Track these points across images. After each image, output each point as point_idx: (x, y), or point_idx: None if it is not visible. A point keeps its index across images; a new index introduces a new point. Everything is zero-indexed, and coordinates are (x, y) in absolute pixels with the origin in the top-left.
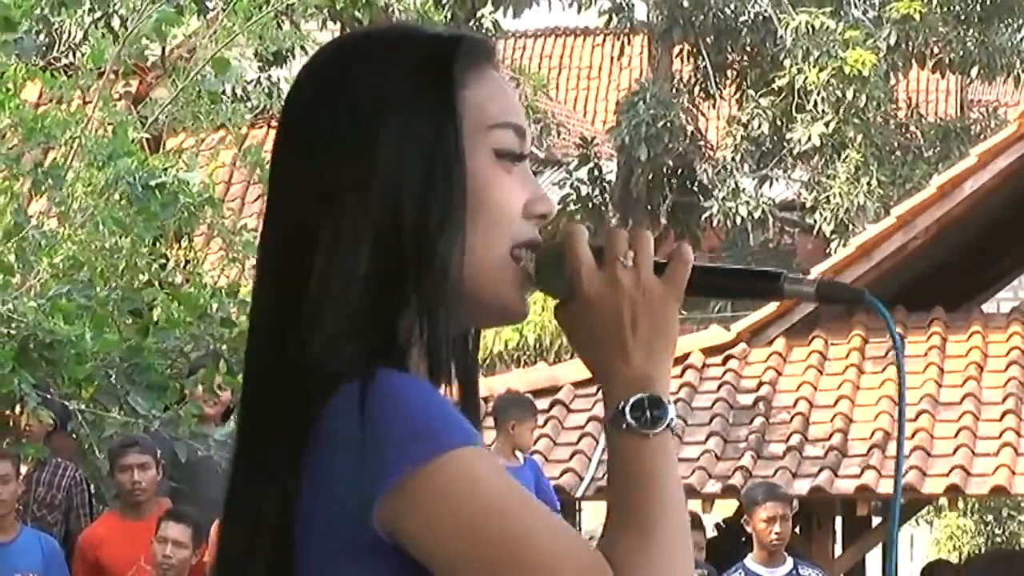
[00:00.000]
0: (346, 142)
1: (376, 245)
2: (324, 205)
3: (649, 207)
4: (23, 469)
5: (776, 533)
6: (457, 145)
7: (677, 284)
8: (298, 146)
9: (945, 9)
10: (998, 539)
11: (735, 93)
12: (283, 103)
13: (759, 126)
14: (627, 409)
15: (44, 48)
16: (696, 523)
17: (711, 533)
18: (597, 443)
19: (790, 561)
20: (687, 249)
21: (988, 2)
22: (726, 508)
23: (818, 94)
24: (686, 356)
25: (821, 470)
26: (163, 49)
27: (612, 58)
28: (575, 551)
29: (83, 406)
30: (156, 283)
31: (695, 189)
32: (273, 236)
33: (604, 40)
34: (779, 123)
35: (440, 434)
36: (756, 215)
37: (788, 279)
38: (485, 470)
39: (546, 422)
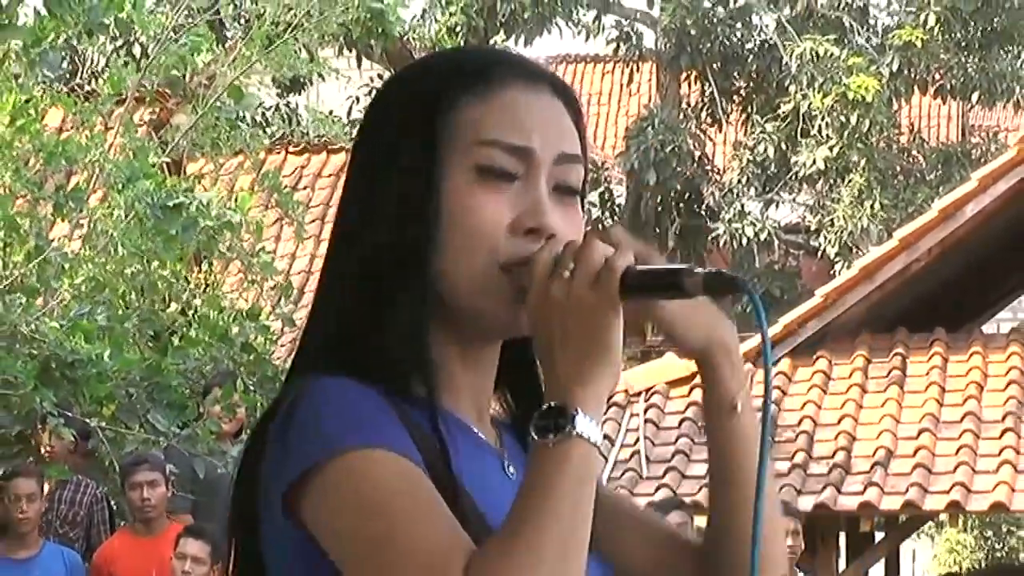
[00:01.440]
0: (352, 165)
1: (354, 264)
2: (335, 225)
3: (658, 230)
4: (46, 487)
5: (787, 547)
6: (426, 165)
7: (609, 293)
8: (350, 161)
9: (946, 36)
10: (998, 554)
11: (741, 118)
12: None
13: (765, 150)
14: (535, 416)
15: (68, 75)
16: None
17: None
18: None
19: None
20: (622, 255)
21: (988, 29)
22: None
23: (822, 119)
24: (693, 376)
25: (825, 487)
26: (183, 76)
27: (621, 85)
28: (432, 561)
29: (104, 424)
30: (176, 305)
31: (702, 212)
32: None
33: (613, 67)
34: (784, 147)
35: (342, 436)
36: (762, 237)
37: (686, 274)
38: (372, 473)
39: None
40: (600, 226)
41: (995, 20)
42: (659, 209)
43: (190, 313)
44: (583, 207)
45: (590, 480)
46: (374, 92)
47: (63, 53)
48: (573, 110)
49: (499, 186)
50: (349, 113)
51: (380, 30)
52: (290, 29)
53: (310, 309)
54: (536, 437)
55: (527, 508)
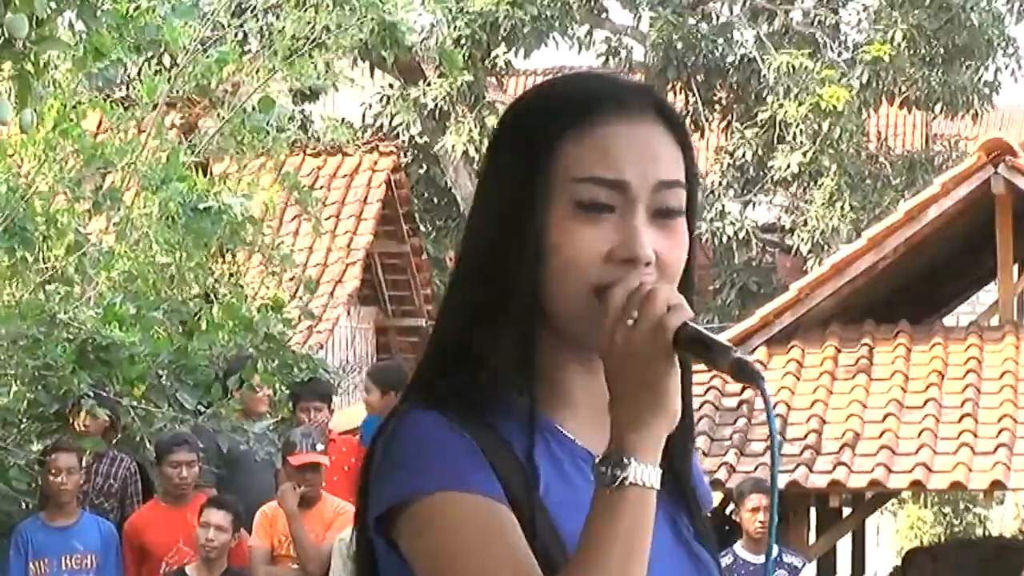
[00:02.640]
0: (478, 189)
1: (466, 285)
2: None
3: None
4: (83, 461)
5: (760, 522)
6: (530, 197)
7: (664, 345)
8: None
9: (912, 52)
10: (955, 529)
11: (722, 125)
12: None
13: (744, 155)
14: (596, 462)
15: (104, 82)
16: None
17: None
18: None
19: (776, 548)
20: (678, 312)
21: (950, 46)
22: (714, 500)
23: (797, 127)
24: None
25: (797, 466)
26: (210, 85)
27: None
28: None
29: (135, 403)
30: (202, 294)
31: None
32: None
33: None
34: (761, 153)
35: (427, 475)
36: (741, 236)
37: (721, 355)
38: (452, 516)
39: None
40: None
41: (956, 37)
42: None
43: (215, 301)
44: (693, 223)
45: (645, 520)
46: (391, 99)
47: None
48: (676, 130)
49: (598, 218)
50: (363, 119)
51: (393, 42)
52: (309, 43)
53: (434, 327)
54: (596, 484)
55: (585, 553)
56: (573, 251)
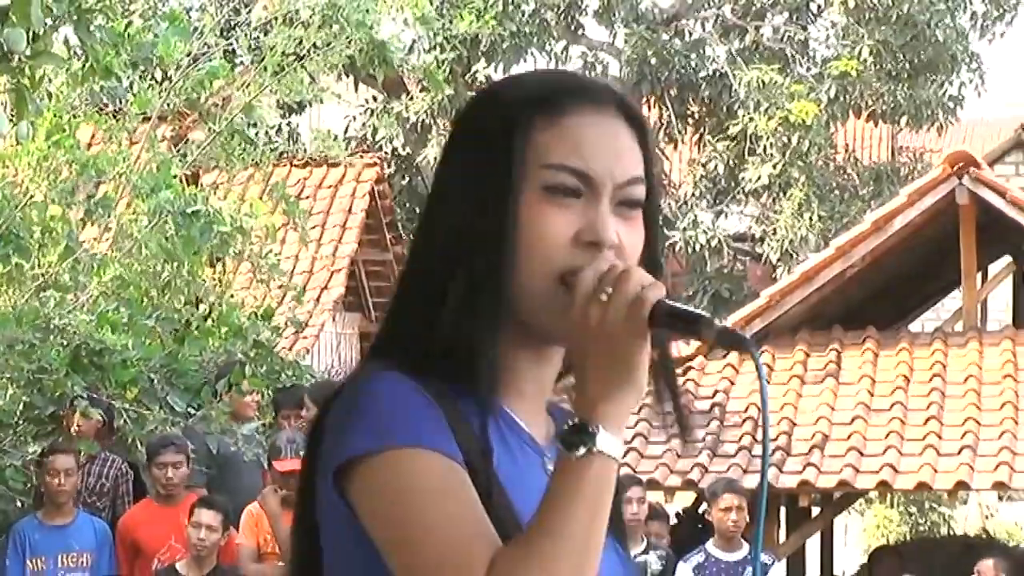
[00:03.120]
0: (440, 176)
1: (436, 271)
2: (416, 230)
3: None
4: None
5: (733, 521)
6: (494, 182)
7: (638, 322)
8: (435, 171)
9: (878, 67)
10: (920, 528)
11: (695, 138)
12: None
13: (715, 167)
14: (563, 430)
15: (99, 94)
16: (660, 514)
17: (672, 521)
18: None
19: (746, 546)
20: (654, 288)
21: (915, 61)
22: (685, 499)
23: (767, 140)
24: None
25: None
26: (199, 97)
27: None
28: (457, 557)
29: (127, 405)
30: (193, 301)
31: (660, 221)
32: None
33: None
34: (733, 164)
35: (391, 433)
36: (713, 244)
37: (704, 324)
38: (413, 470)
39: None
40: None
41: (922, 53)
42: None
43: (205, 308)
44: (653, 217)
45: (608, 491)
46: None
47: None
48: (637, 128)
49: (564, 202)
50: (346, 131)
51: (381, 61)
52: (298, 59)
53: (392, 303)
54: (563, 451)
55: (549, 517)
56: (541, 232)
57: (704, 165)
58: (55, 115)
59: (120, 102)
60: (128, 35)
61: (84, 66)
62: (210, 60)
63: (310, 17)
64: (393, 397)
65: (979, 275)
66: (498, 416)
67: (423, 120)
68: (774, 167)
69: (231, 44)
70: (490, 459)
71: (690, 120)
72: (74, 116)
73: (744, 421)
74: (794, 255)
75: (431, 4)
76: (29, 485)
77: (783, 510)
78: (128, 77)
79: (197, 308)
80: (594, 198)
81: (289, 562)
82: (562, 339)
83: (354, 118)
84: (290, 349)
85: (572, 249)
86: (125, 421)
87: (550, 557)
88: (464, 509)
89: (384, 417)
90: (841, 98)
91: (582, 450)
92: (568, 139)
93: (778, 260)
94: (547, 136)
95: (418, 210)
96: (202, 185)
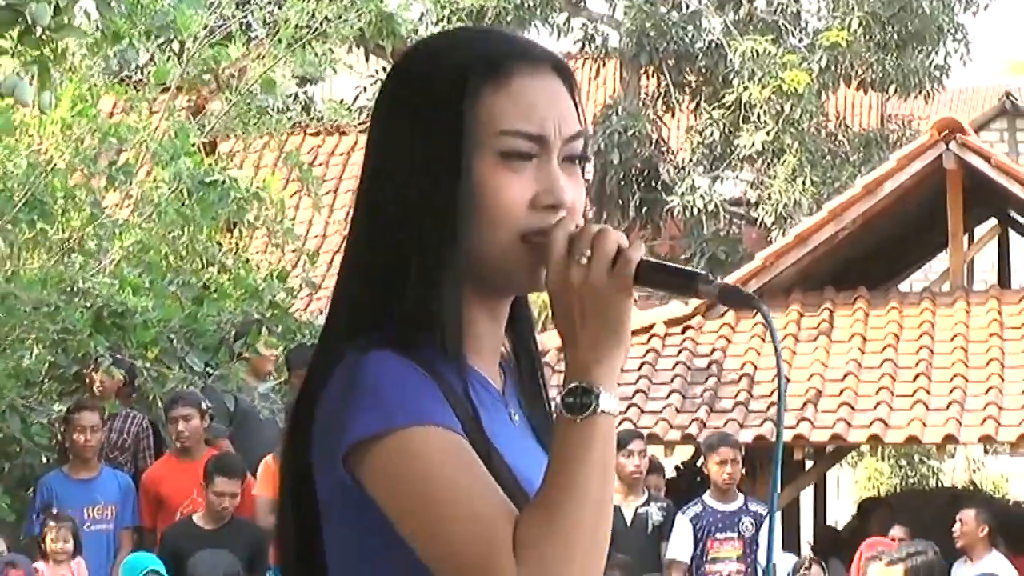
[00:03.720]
0: (379, 141)
1: (392, 240)
2: (360, 201)
3: (620, 202)
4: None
5: (728, 473)
6: (449, 153)
7: (624, 280)
8: (371, 140)
9: (867, 38)
10: (910, 480)
11: (692, 107)
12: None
13: (712, 134)
14: (563, 394)
15: (118, 66)
16: (657, 467)
17: (671, 474)
18: None
19: (741, 498)
20: (637, 247)
21: (903, 32)
22: (684, 453)
23: (761, 108)
24: (651, 327)
25: (763, 422)
26: (216, 69)
27: (589, 78)
28: (477, 529)
29: (148, 365)
30: (210, 264)
31: (659, 187)
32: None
33: (583, 63)
34: (728, 132)
35: (397, 412)
36: (709, 209)
37: (702, 280)
38: (421, 446)
39: None
40: None
41: (909, 24)
42: (622, 184)
43: (222, 271)
44: (583, 170)
45: (612, 445)
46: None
47: (123, 51)
48: (569, 85)
49: (519, 166)
50: (355, 100)
51: (390, 32)
52: (311, 32)
53: (340, 277)
54: (566, 414)
55: (566, 480)
56: (501, 198)
57: (701, 132)
58: (77, 85)
59: (141, 72)
60: (141, 5)
61: (98, 34)
62: (227, 33)
63: None
64: (392, 376)
65: (965, 237)
66: (472, 376)
67: None
68: (768, 134)
69: (247, 17)
70: (481, 424)
71: (687, 89)
72: (95, 86)
73: (740, 378)
74: (788, 218)
75: None
76: (54, 441)
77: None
78: (147, 49)
79: (215, 271)
80: (546, 160)
81: (280, 538)
82: (520, 289)
83: (365, 88)
84: (305, 309)
85: (530, 211)
86: (146, 380)
87: (573, 519)
88: (478, 481)
89: (387, 397)
90: (832, 68)
91: (587, 413)
92: (519, 103)
93: (772, 223)
94: (497, 101)
95: None
96: (219, 153)
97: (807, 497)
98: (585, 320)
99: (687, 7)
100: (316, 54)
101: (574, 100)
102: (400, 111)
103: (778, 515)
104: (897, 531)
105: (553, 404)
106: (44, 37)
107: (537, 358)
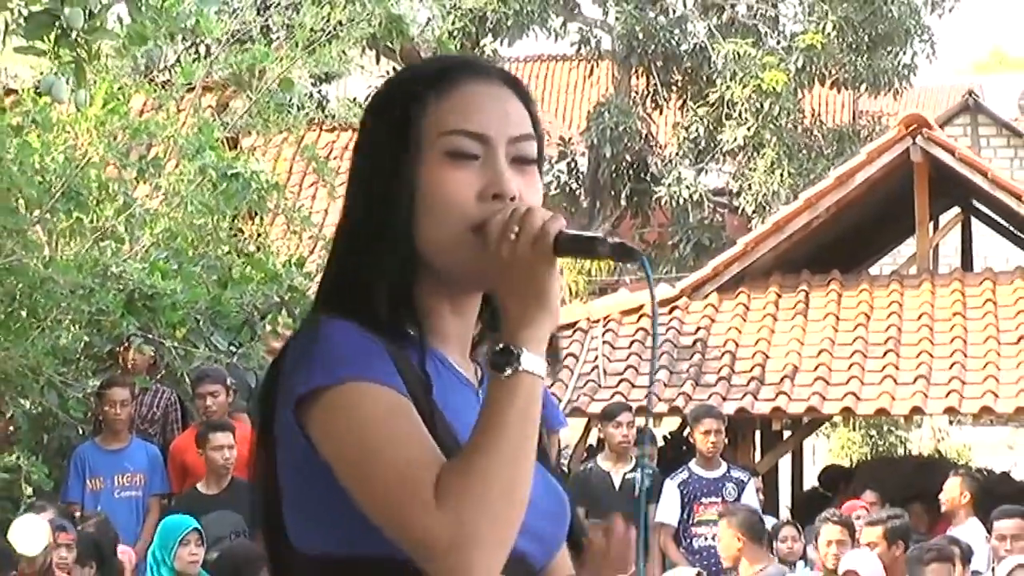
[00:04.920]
0: (355, 151)
1: (356, 234)
2: (344, 196)
3: (613, 192)
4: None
5: (712, 443)
6: (395, 153)
7: (545, 251)
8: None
9: (840, 40)
10: (880, 449)
11: (678, 104)
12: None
13: (696, 130)
14: (490, 355)
15: (147, 68)
16: (650, 438)
17: (660, 444)
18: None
19: (724, 465)
20: (556, 219)
21: (874, 34)
22: (672, 424)
23: (742, 105)
24: (640, 307)
25: (744, 395)
26: (239, 70)
27: (584, 78)
28: (407, 474)
29: (176, 344)
30: (233, 251)
31: (648, 179)
32: None
33: (578, 64)
34: (712, 127)
35: (342, 368)
36: (695, 198)
37: (599, 243)
38: (361, 400)
39: None
40: (567, 189)
41: (879, 27)
42: (614, 176)
43: (244, 257)
44: (541, 172)
45: (535, 404)
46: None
47: (149, 52)
48: (522, 96)
49: (465, 164)
50: (367, 99)
51: (398, 33)
52: (326, 35)
53: (326, 261)
54: (492, 372)
55: (486, 429)
56: (449, 193)
57: (686, 128)
58: (109, 85)
59: (169, 73)
60: (165, 8)
61: (125, 36)
62: (249, 36)
63: None
64: (343, 338)
65: (931, 224)
66: (432, 355)
67: None
68: (748, 130)
69: (266, 22)
70: (430, 390)
71: (674, 88)
72: (125, 85)
73: (723, 355)
74: (767, 207)
75: None
76: (89, 414)
77: (758, 433)
78: (174, 51)
79: (237, 256)
80: (492, 156)
81: (253, 501)
82: (477, 282)
83: (375, 87)
84: None
85: (479, 204)
86: (174, 358)
87: (488, 468)
88: (411, 432)
89: (336, 355)
90: (807, 68)
91: (508, 371)
92: (461, 107)
93: (753, 212)
94: (443, 106)
95: None
96: (241, 148)
97: (785, 464)
98: (513, 289)
99: (674, 12)
100: (330, 54)
101: (528, 109)
102: (365, 122)
103: (759, 481)
104: (869, 495)
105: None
106: (79, 39)
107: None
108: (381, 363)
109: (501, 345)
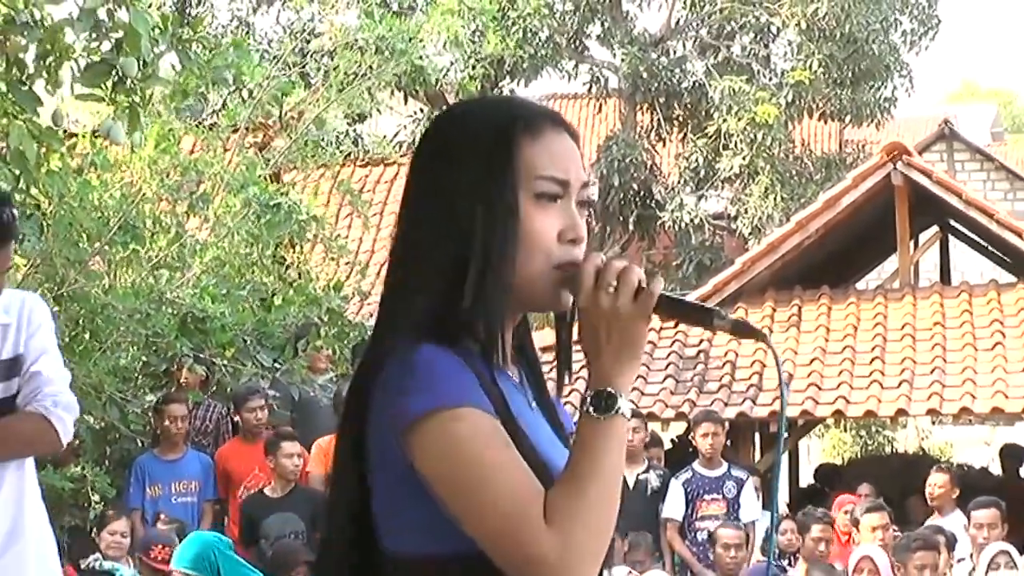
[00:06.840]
0: (439, 181)
1: (449, 260)
2: (414, 226)
3: (620, 218)
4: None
5: (710, 444)
6: (504, 192)
7: (645, 309)
8: (421, 178)
9: (827, 76)
10: (869, 448)
11: (680, 136)
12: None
13: (696, 159)
14: (589, 398)
15: (192, 112)
16: (656, 440)
17: (667, 446)
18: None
19: (725, 465)
20: (658, 282)
21: (857, 70)
22: (678, 428)
23: (737, 137)
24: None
25: (744, 400)
26: (280, 111)
27: (593, 114)
28: (518, 498)
29: (225, 362)
30: (276, 276)
31: (653, 205)
32: (396, 236)
33: (588, 102)
34: (710, 157)
35: (443, 394)
36: (696, 222)
37: (717, 316)
38: (466, 427)
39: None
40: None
41: (861, 64)
42: (622, 203)
43: (286, 282)
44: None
45: (625, 439)
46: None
47: (197, 98)
48: (576, 141)
49: (548, 206)
50: (395, 136)
51: (422, 80)
52: (358, 78)
53: (400, 287)
54: (592, 413)
55: (588, 467)
56: (539, 231)
57: (687, 158)
58: (161, 127)
59: (216, 116)
60: (208, 62)
61: (172, 90)
62: (288, 80)
63: (366, 44)
64: (441, 364)
65: (912, 242)
66: (499, 372)
67: None
68: (744, 159)
69: (304, 67)
70: (510, 408)
71: (675, 122)
72: (174, 128)
73: (724, 364)
74: (762, 229)
75: (464, 30)
76: (147, 427)
77: (757, 435)
78: (219, 95)
79: (280, 282)
80: (568, 201)
81: (334, 507)
82: (543, 310)
83: (404, 126)
84: (357, 314)
85: (559, 244)
86: (224, 375)
87: (591, 493)
88: (512, 456)
89: (437, 381)
90: (797, 102)
91: (611, 413)
92: (549, 153)
93: (749, 234)
94: (534, 151)
95: None
96: (283, 182)
97: (783, 463)
98: (610, 338)
99: (674, 53)
100: (362, 96)
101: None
102: (451, 157)
103: (758, 479)
104: (864, 488)
105: (561, 401)
106: (133, 86)
107: (536, 357)
108: (473, 387)
109: (601, 388)
